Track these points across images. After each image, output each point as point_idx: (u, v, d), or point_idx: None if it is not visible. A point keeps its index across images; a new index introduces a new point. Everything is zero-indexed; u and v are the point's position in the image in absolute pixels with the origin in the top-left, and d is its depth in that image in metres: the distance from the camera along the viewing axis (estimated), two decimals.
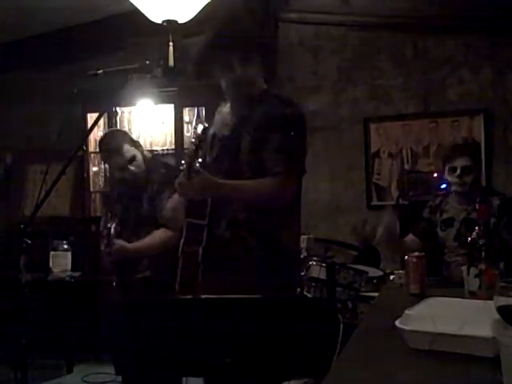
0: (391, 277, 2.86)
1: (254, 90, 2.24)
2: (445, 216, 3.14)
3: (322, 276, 3.49)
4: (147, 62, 2.41)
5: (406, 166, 4.78)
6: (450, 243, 3.09)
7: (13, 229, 4.88)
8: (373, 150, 4.88)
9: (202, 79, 4.14)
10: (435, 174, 4.13)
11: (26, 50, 5.31)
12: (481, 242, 1.86)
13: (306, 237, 4.15)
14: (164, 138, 5.24)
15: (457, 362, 1.23)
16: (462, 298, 1.79)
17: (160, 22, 3.45)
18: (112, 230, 2.85)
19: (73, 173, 5.12)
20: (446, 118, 4.70)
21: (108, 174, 5.11)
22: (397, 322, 1.38)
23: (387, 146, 4.86)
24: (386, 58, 4.86)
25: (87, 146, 5.09)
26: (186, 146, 4.96)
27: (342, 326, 2.56)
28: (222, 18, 2.26)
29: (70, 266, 4.81)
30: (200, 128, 2.09)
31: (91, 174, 5.34)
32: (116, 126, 5.13)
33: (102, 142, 3.10)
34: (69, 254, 4.84)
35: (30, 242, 2.39)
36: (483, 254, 1.84)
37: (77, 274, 4.76)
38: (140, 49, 4.65)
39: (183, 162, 2.09)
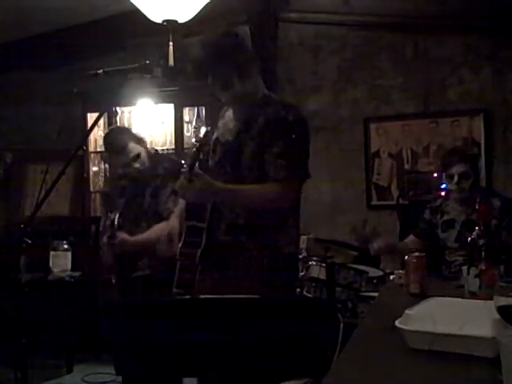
0: (391, 277, 2.85)
1: (255, 97, 2.23)
2: (445, 217, 3.14)
3: (322, 276, 3.49)
4: (147, 62, 2.41)
5: (406, 166, 4.78)
6: (451, 244, 3.09)
7: (13, 229, 4.89)
8: (373, 149, 4.88)
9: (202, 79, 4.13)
10: (435, 174, 4.13)
11: (25, 50, 5.30)
12: (481, 242, 1.86)
13: (305, 237, 4.15)
14: (164, 137, 5.23)
15: (457, 362, 1.23)
16: (462, 297, 1.79)
17: (160, 21, 3.46)
18: (116, 221, 2.84)
19: (73, 173, 5.12)
20: (445, 118, 4.69)
21: (108, 174, 5.11)
22: (397, 322, 1.38)
23: (387, 145, 4.85)
24: (386, 58, 4.85)
25: (87, 146, 5.09)
26: (186, 145, 4.97)
27: (342, 325, 2.56)
28: (218, 34, 2.23)
29: (69, 266, 4.81)
30: (202, 131, 2.10)
31: (91, 173, 5.34)
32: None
33: (106, 140, 3.08)
34: (69, 254, 4.84)
35: (30, 241, 2.39)
36: (483, 254, 1.84)
37: (77, 273, 4.76)
38: (140, 49, 4.65)
39: (184, 163, 2.09)
